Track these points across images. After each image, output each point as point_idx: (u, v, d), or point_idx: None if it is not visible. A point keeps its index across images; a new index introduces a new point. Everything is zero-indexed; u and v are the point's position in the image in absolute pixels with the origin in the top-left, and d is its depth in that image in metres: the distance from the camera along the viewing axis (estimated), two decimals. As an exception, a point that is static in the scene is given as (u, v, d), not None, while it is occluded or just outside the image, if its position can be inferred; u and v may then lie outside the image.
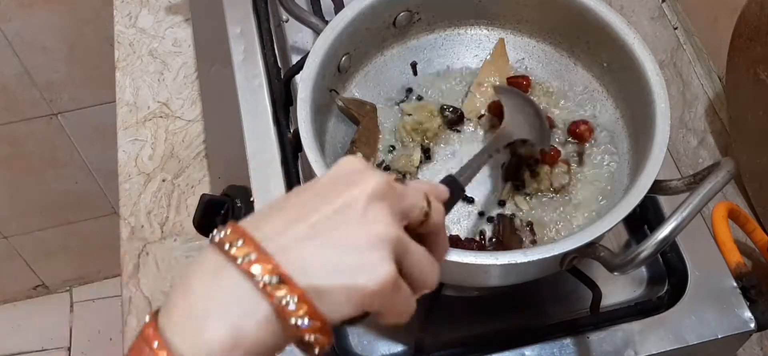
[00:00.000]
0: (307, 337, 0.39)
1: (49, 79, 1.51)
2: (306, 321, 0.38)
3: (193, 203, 0.85)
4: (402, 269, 0.42)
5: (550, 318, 0.71)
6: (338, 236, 0.40)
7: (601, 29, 0.71)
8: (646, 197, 0.59)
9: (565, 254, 0.58)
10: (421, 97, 0.77)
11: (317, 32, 0.73)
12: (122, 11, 1.06)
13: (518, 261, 0.57)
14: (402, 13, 0.75)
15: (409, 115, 0.74)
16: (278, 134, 0.77)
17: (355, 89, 0.76)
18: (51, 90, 1.53)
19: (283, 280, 0.38)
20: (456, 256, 0.57)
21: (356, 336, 0.70)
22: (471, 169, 0.61)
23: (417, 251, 0.43)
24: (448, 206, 0.52)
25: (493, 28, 0.78)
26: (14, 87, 1.50)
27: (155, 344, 0.37)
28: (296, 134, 0.67)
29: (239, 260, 0.38)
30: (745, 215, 0.73)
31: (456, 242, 0.67)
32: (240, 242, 0.39)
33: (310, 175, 0.77)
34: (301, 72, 0.68)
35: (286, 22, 0.90)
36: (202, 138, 0.93)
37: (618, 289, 0.72)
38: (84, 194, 1.78)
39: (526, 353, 0.66)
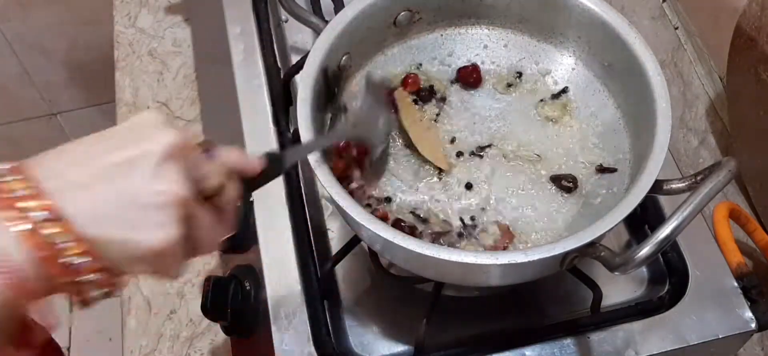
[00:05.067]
0: (86, 277, 0.39)
1: (49, 79, 1.51)
2: (82, 260, 0.38)
3: (192, 203, 0.85)
4: (185, 231, 0.42)
5: (551, 318, 0.71)
6: (125, 188, 0.39)
7: (601, 29, 0.71)
8: (646, 196, 0.59)
9: (565, 254, 0.57)
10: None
11: (317, 32, 0.73)
12: (122, 11, 1.06)
13: (518, 261, 0.57)
14: (402, 13, 0.75)
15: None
16: (278, 134, 0.77)
17: (356, 89, 0.75)
18: (50, 90, 1.53)
19: (56, 219, 0.37)
20: (456, 256, 0.57)
21: (356, 336, 0.70)
22: (301, 151, 0.60)
23: (206, 219, 0.43)
24: (260, 181, 0.52)
25: (494, 28, 0.78)
26: (14, 87, 1.50)
27: None
28: (296, 134, 0.67)
29: (13, 194, 0.37)
30: (746, 215, 0.73)
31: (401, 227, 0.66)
32: (18, 177, 0.38)
33: (310, 175, 0.77)
34: (301, 72, 0.68)
35: (286, 22, 0.90)
36: (201, 138, 0.93)
37: (619, 289, 0.72)
38: (84, 195, 1.78)
39: (527, 353, 0.66)
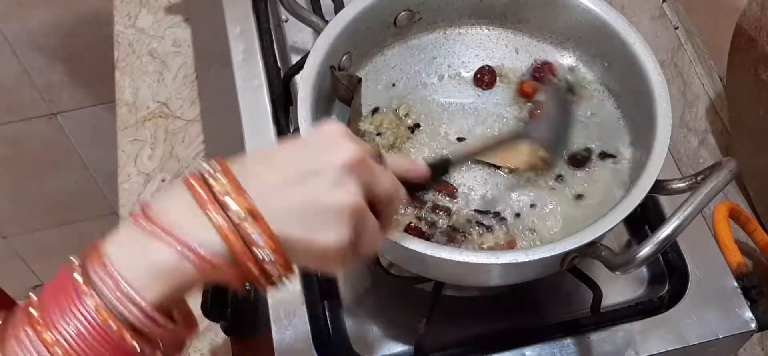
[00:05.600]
0: (270, 269, 0.43)
1: (49, 79, 1.51)
2: (271, 254, 0.43)
3: (192, 203, 0.85)
4: (355, 235, 0.46)
5: (551, 318, 0.71)
6: (309, 195, 0.44)
7: (602, 29, 0.71)
8: (647, 196, 0.59)
9: (565, 254, 0.57)
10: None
11: (318, 32, 0.73)
12: (122, 11, 1.06)
13: (519, 261, 0.57)
14: (403, 13, 0.75)
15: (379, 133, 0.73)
16: (278, 134, 0.77)
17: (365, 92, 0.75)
18: (50, 90, 1.53)
19: (254, 217, 0.42)
20: (456, 256, 0.57)
21: (356, 336, 0.70)
22: (471, 153, 0.64)
23: (372, 225, 0.48)
24: (427, 185, 0.56)
25: (494, 28, 0.78)
26: (14, 87, 1.50)
27: (78, 277, 0.40)
28: (296, 134, 0.67)
29: (217, 191, 0.42)
30: (746, 215, 0.73)
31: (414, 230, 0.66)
32: (221, 177, 0.43)
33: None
34: (301, 72, 0.68)
35: (286, 21, 0.90)
36: (201, 138, 0.93)
37: (619, 289, 0.72)
38: (84, 195, 1.78)
39: (527, 353, 0.66)
